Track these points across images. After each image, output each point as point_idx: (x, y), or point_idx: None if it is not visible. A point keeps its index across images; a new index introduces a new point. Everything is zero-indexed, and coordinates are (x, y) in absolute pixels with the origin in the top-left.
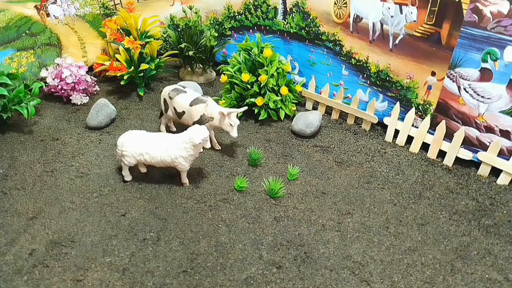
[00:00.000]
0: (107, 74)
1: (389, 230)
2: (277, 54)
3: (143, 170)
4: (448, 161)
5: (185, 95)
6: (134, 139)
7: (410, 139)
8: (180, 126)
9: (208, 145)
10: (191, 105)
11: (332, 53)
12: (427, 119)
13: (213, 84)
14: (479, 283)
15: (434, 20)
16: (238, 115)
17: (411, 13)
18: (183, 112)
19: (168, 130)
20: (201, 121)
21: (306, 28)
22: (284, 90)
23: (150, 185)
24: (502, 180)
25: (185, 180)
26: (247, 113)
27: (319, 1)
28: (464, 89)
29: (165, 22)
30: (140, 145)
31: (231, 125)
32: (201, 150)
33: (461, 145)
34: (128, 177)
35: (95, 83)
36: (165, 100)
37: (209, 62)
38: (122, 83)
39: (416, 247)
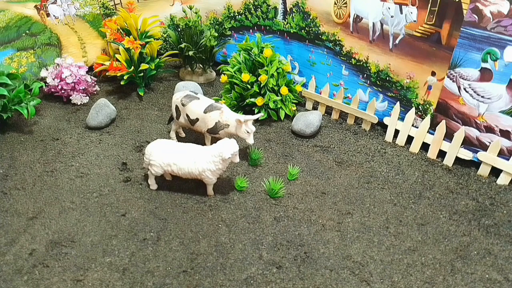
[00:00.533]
0: (107, 74)
1: (389, 230)
2: (277, 54)
3: (168, 178)
4: (448, 161)
5: (198, 101)
6: (163, 149)
7: (410, 139)
8: (189, 132)
9: (237, 160)
10: (205, 112)
11: (332, 53)
12: (427, 119)
13: (213, 84)
14: (479, 283)
15: (434, 20)
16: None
17: (411, 13)
18: (197, 119)
19: (178, 136)
20: (215, 128)
21: (306, 28)
22: (284, 90)
23: None
24: (502, 180)
25: (210, 192)
26: (247, 114)
27: (319, 1)
28: (464, 89)
29: (165, 22)
30: (168, 156)
31: (247, 132)
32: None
33: (461, 145)
34: (154, 186)
35: (95, 83)
36: (177, 107)
37: (209, 62)
38: (122, 83)
39: (416, 247)
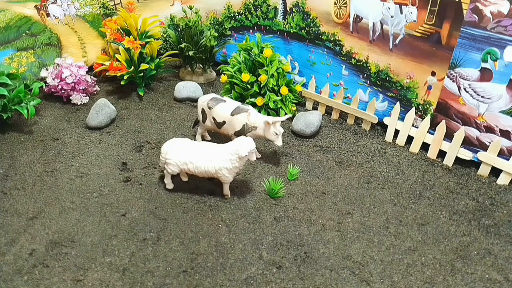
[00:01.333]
0: (107, 74)
1: (389, 230)
2: (277, 54)
3: (185, 179)
4: (448, 161)
5: (224, 104)
6: (179, 147)
7: (410, 139)
8: (214, 135)
9: (254, 158)
10: (232, 114)
11: (332, 53)
12: (427, 119)
13: (213, 84)
14: (479, 283)
15: (434, 20)
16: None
17: (411, 13)
18: (224, 122)
19: (203, 139)
20: (243, 131)
21: (306, 28)
22: (284, 90)
23: (150, 185)
24: (502, 180)
25: (227, 191)
26: None
27: (319, 1)
28: (464, 89)
29: (165, 22)
30: (185, 154)
31: (276, 134)
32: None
33: (461, 145)
34: (170, 185)
35: (95, 83)
36: (203, 110)
37: (209, 62)
38: (122, 83)
39: (416, 247)
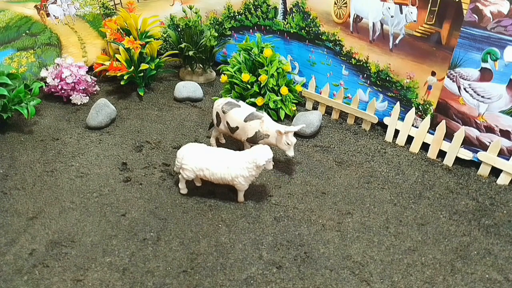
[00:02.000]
0: (107, 74)
1: (389, 230)
2: (277, 54)
3: (198, 184)
4: (448, 161)
5: (239, 109)
6: (196, 153)
7: (410, 139)
8: (229, 138)
9: (271, 167)
10: (245, 120)
11: (332, 53)
12: (427, 119)
13: (213, 84)
14: (479, 283)
15: (434, 20)
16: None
17: (411, 13)
18: (237, 128)
19: (218, 142)
20: (255, 138)
21: (306, 28)
22: (284, 90)
23: (150, 185)
24: (502, 180)
25: (241, 199)
26: None
27: (319, 1)
28: (464, 89)
29: (165, 22)
30: (201, 160)
31: (288, 144)
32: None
33: (461, 145)
34: (184, 190)
35: (95, 83)
36: (217, 114)
37: (209, 62)
38: (122, 83)
39: (416, 247)
